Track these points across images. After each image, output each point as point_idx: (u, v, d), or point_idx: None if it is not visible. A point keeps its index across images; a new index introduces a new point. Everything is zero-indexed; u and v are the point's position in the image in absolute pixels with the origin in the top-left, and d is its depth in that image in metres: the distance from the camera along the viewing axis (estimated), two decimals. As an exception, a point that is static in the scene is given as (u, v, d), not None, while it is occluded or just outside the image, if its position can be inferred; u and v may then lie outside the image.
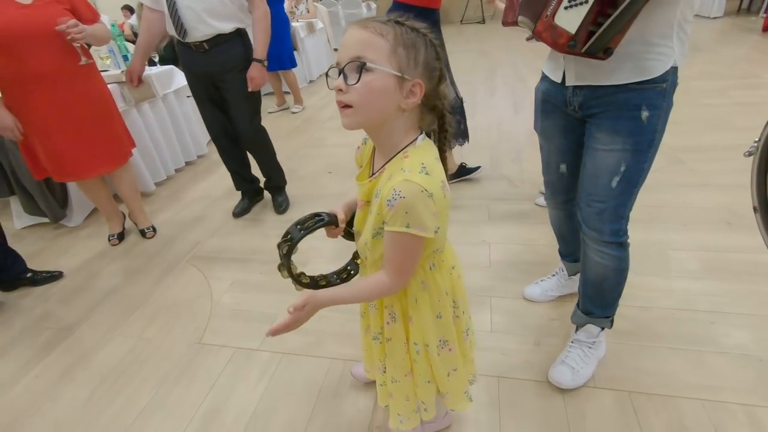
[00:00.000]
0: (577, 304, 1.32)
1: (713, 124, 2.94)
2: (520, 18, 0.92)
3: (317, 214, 0.86)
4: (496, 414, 1.21)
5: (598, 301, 1.25)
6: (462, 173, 2.55)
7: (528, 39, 0.99)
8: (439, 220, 0.73)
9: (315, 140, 3.61)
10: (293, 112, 4.44)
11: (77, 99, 1.94)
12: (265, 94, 5.13)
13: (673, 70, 0.91)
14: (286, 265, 0.85)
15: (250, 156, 2.45)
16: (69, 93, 1.91)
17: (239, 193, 2.55)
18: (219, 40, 2.01)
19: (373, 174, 0.79)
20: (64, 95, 1.90)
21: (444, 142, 0.79)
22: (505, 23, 0.99)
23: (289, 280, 0.88)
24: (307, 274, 0.91)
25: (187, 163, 3.32)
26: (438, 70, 0.71)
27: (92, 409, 1.38)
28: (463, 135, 2.47)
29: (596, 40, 0.83)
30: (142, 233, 2.37)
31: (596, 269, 1.18)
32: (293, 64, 4.29)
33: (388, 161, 0.75)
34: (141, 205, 2.40)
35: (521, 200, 2.27)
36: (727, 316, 1.43)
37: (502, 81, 4.72)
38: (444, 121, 0.77)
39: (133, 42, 4.64)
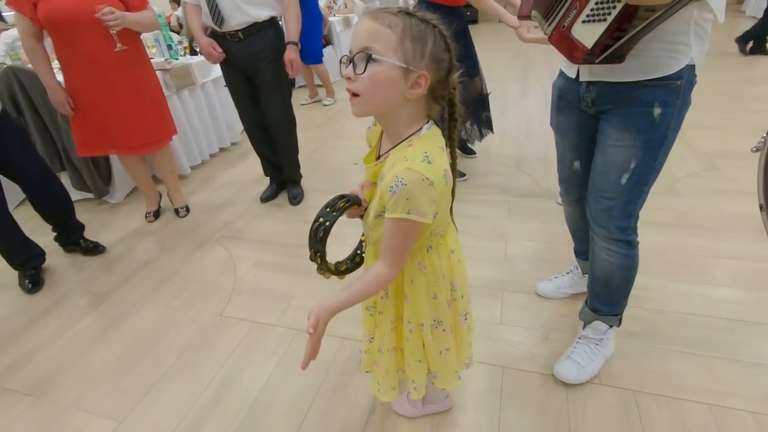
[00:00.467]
0: (586, 301, 1.32)
1: (756, 130, 2.80)
2: (533, 12, 0.93)
3: (343, 196, 0.87)
4: (497, 401, 1.24)
5: (605, 299, 1.25)
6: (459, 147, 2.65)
7: (520, 18, 1.00)
8: (437, 206, 0.76)
9: (344, 132, 3.69)
10: (325, 105, 4.53)
11: (123, 81, 2.06)
12: (298, 87, 5.26)
13: (689, 68, 0.90)
14: (321, 250, 0.86)
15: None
16: (114, 76, 2.02)
17: (267, 179, 2.65)
18: (253, 29, 2.09)
19: (379, 157, 0.83)
20: (110, 77, 2.02)
21: (453, 130, 0.82)
22: (520, 16, 1.00)
23: (317, 266, 0.89)
24: (336, 262, 0.96)
25: (221, 149, 3.47)
26: (446, 62, 0.73)
27: (122, 367, 1.50)
28: (487, 125, 2.54)
29: (612, 52, 0.84)
30: (176, 212, 2.52)
31: (604, 266, 1.18)
32: (318, 60, 4.33)
33: (393, 147, 0.78)
34: (177, 186, 2.54)
35: (543, 198, 2.26)
36: (747, 325, 1.39)
37: (535, 80, 4.65)
38: (454, 110, 0.79)
39: (178, 33, 4.85)
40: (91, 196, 2.72)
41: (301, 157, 2.60)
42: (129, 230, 2.42)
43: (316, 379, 1.37)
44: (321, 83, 4.61)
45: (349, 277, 1.00)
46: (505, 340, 1.44)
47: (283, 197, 2.62)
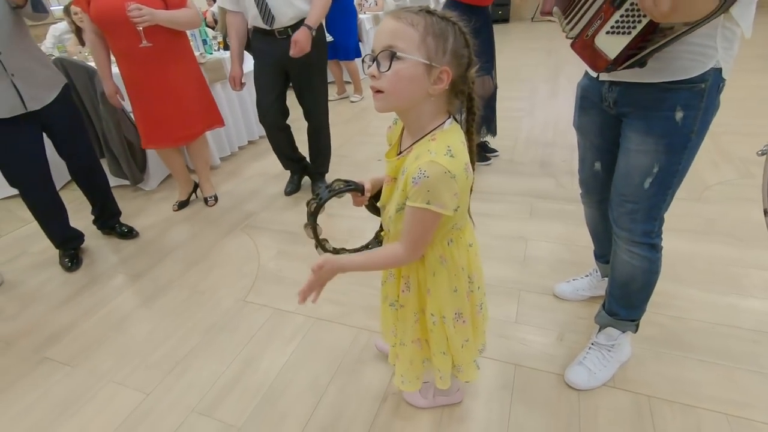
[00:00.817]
0: (603, 305, 1.31)
1: (799, 138, 2.68)
2: (554, 9, 0.94)
3: (346, 181, 0.95)
4: (508, 397, 1.25)
5: (623, 302, 1.24)
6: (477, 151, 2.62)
7: (542, 14, 1.01)
8: (459, 200, 0.79)
9: (370, 128, 3.73)
10: (352, 101, 4.59)
11: (162, 76, 2.15)
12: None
13: (715, 71, 0.89)
14: (311, 223, 0.94)
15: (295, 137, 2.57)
16: (153, 70, 2.12)
17: (289, 172, 2.71)
18: (300, 24, 2.09)
19: (400, 153, 0.86)
20: (148, 72, 2.12)
21: (472, 124, 0.84)
22: (542, 13, 1.01)
23: (314, 242, 0.97)
24: (334, 246, 1.00)
25: (249, 142, 3.58)
26: (466, 57, 0.75)
27: (151, 343, 1.59)
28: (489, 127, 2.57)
29: (635, 61, 0.84)
30: (206, 201, 2.62)
31: (625, 269, 1.17)
32: (357, 55, 4.43)
33: (415, 142, 0.81)
34: (208, 177, 2.64)
35: (566, 200, 2.23)
36: (772, 337, 1.35)
37: (567, 80, 4.56)
38: (472, 105, 0.81)
39: (213, 28, 4.98)
40: (127, 182, 2.86)
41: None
42: (161, 216, 2.54)
43: (332, 365, 1.41)
44: (349, 80, 4.67)
45: None
46: (519, 339, 1.45)
47: (307, 190, 2.68)
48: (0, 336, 1.70)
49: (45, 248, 2.20)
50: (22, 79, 1.76)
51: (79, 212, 2.36)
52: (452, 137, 0.78)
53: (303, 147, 2.61)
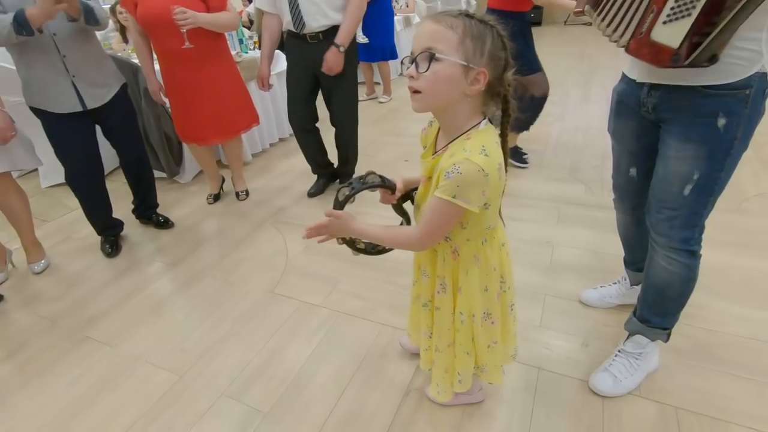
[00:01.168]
0: (634, 311, 1.30)
1: None
2: (586, 8, 0.93)
3: (381, 176, 0.97)
4: (530, 400, 1.26)
5: (657, 309, 1.22)
6: (512, 155, 2.58)
7: (576, 14, 0.99)
8: (488, 198, 0.80)
9: (397, 129, 3.76)
10: (381, 102, 4.63)
11: (201, 76, 2.22)
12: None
13: (761, 75, 0.87)
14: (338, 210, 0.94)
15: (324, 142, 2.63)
16: (193, 70, 2.19)
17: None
18: (331, 31, 2.16)
19: (436, 152, 0.89)
20: (189, 72, 2.19)
21: (506, 125, 0.86)
22: (575, 14, 1.01)
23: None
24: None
25: (280, 140, 3.66)
26: (503, 60, 0.77)
27: (184, 328, 1.66)
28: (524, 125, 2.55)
29: (702, 50, 0.80)
30: (237, 195, 2.70)
31: (661, 274, 1.14)
32: (393, 57, 4.47)
33: (450, 141, 0.83)
34: (241, 172, 2.73)
35: (595, 207, 2.20)
36: (811, 355, 1.31)
37: (599, 85, 4.47)
38: (507, 106, 0.83)
39: (249, 28, 5.11)
40: (163, 175, 2.98)
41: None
42: (195, 208, 2.64)
43: (355, 359, 1.45)
44: (379, 81, 4.71)
45: (360, 258, 1.05)
46: (543, 343, 1.44)
47: (331, 194, 2.72)
48: (46, 315, 1.81)
49: (88, 234, 2.32)
50: (82, 79, 1.87)
51: (117, 201, 2.47)
52: (487, 137, 0.80)
53: (331, 147, 2.65)
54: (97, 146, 2.06)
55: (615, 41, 0.94)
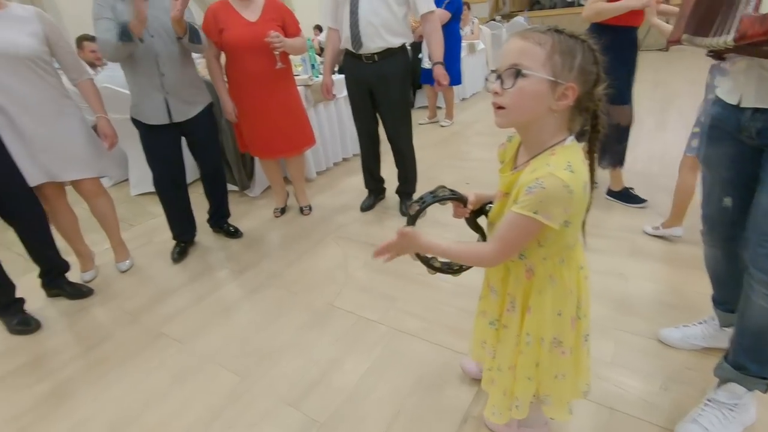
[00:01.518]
0: (725, 356, 1.17)
1: None
2: (684, 36, 0.90)
3: (451, 189, 0.97)
4: (601, 442, 1.16)
5: (755, 355, 1.09)
6: (623, 197, 2.43)
7: (669, 44, 0.93)
8: (570, 216, 0.77)
9: (459, 153, 3.76)
10: (442, 126, 4.67)
11: (277, 94, 2.41)
12: (418, 108, 5.49)
13: None
14: (410, 225, 0.95)
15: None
16: (271, 89, 2.39)
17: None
18: (387, 53, 2.29)
19: (516, 168, 0.87)
20: (267, 91, 2.38)
21: (594, 142, 0.82)
22: (670, 42, 0.96)
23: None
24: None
25: (344, 159, 3.79)
26: (594, 74, 0.75)
27: (249, 332, 1.74)
28: (618, 158, 2.37)
29: None
30: (301, 210, 2.82)
31: (761, 316, 1.03)
32: (457, 82, 4.53)
33: (533, 157, 0.81)
34: (304, 188, 2.85)
35: (671, 240, 2.04)
36: None
37: (677, 113, 4.20)
38: (597, 122, 0.80)
39: (320, 55, 5.42)
40: (236, 188, 3.19)
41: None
42: (262, 220, 2.78)
43: (411, 378, 1.43)
44: (441, 105, 4.76)
45: (437, 277, 1.03)
46: (614, 381, 1.34)
47: (382, 209, 2.77)
48: (128, 310, 1.97)
49: (167, 239, 2.51)
50: (174, 97, 2.09)
51: (194, 210, 2.67)
52: (573, 153, 0.78)
53: (388, 167, 2.71)
54: (182, 156, 2.27)
55: (722, 45, 0.85)
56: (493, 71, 0.79)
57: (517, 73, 0.74)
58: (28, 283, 2.06)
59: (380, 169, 2.79)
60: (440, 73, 2.31)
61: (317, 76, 3.58)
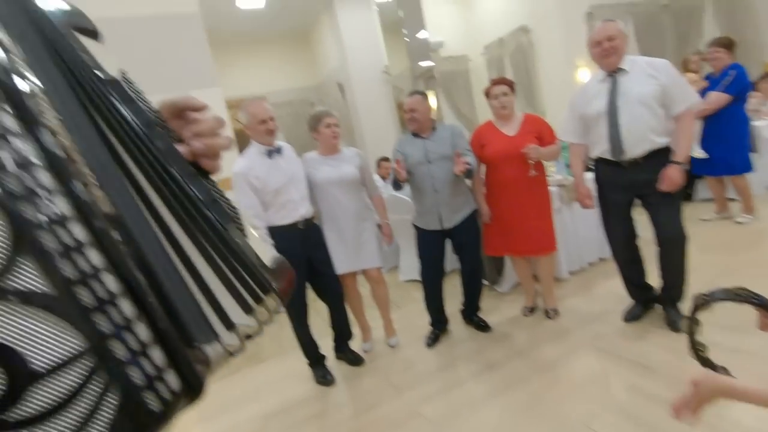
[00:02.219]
0: None
1: None
2: None
3: (755, 293, 0.78)
4: None
5: None
6: None
7: None
8: None
9: (763, 258, 2.89)
10: (738, 222, 3.72)
11: (530, 199, 2.57)
12: (701, 200, 4.59)
13: None
14: (694, 319, 0.82)
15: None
16: (525, 194, 2.56)
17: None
18: (652, 154, 2.13)
19: None
20: (522, 195, 2.56)
21: None
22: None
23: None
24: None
25: (601, 259, 3.48)
26: None
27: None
28: None
29: None
30: (546, 313, 2.72)
31: None
32: (746, 169, 3.67)
33: None
34: (552, 289, 2.77)
35: None
36: None
37: None
38: None
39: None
40: (485, 282, 3.37)
41: (692, 282, 2.27)
42: (509, 317, 2.82)
43: None
44: (735, 197, 3.86)
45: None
46: None
47: (650, 321, 2.34)
48: (392, 383, 2.30)
49: (423, 325, 2.84)
50: (444, 208, 2.53)
51: (448, 300, 2.95)
52: None
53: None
54: (443, 254, 2.66)
55: None
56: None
57: None
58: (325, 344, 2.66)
59: (643, 275, 2.45)
60: (675, 175, 2.06)
61: (571, 175, 3.57)
